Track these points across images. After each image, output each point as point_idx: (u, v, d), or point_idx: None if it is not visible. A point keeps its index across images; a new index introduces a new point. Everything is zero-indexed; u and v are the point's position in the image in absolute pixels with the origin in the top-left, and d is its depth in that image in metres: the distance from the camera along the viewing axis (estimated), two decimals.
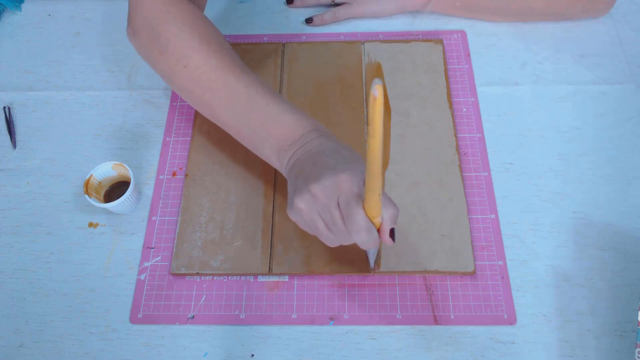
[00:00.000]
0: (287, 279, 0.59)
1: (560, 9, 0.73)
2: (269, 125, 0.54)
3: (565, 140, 0.66)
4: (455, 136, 0.66)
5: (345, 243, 0.49)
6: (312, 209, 0.47)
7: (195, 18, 0.59)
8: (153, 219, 0.63)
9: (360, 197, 0.45)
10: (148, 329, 0.57)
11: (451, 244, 0.59)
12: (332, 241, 0.49)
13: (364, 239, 0.46)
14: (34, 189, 0.66)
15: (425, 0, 0.75)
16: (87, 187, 0.60)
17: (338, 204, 0.46)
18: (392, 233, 0.47)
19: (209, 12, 0.74)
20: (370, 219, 0.45)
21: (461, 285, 0.58)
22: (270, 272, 0.58)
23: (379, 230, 0.47)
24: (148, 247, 0.61)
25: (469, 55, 0.73)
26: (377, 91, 0.36)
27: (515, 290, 0.58)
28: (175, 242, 0.60)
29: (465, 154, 0.65)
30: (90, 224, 0.63)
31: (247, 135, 0.57)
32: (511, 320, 0.56)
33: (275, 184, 0.63)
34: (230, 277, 0.59)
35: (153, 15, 0.58)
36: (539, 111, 0.69)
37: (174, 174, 0.66)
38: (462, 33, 0.75)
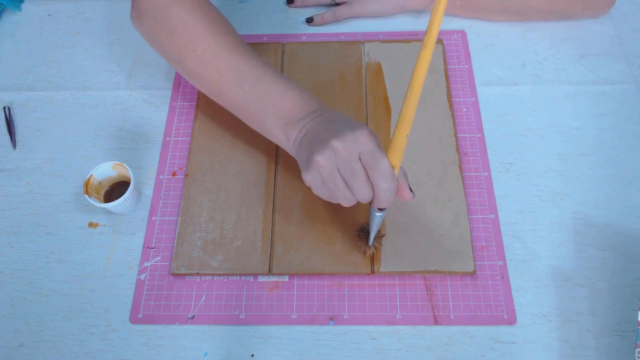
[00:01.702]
0: (287, 279, 0.59)
1: (561, 8, 0.73)
2: (276, 102, 0.56)
3: (565, 140, 0.66)
4: (455, 136, 0.66)
5: (364, 199, 0.48)
6: (332, 164, 0.48)
7: (201, 2, 0.60)
8: (153, 219, 0.63)
9: (382, 150, 0.47)
10: (148, 329, 0.57)
11: (451, 244, 0.59)
12: (349, 200, 0.49)
13: (390, 186, 0.47)
14: (34, 189, 0.66)
15: (426, 1, 0.75)
16: (87, 187, 0.60)
17: (359, 158, 0.47)
18: (410, 188, 0.50)
19: None
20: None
21: (461, 285, 0.58)
22: (270, 272, 0.58)
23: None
24: (148, 247, 0.61)
25: (469, 55, 0.73)
26: None
27: (515, 290, 0.58)
28: (175, 242, 0.60)
29: (465, 154, 0.65)
30: (90, 224, 0.63)
31: (253, 113, 0.58)
32: (511, 320, 0.56)
33: (275, 184, 0.63)
34: (230, 277, 0.59)
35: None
36: (539, 111, 0.69)
37: (174, 174, 0.66)
38: (462, 33, 0.75)
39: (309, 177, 0.50)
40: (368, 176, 0.47)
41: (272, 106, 0.56)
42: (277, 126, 0.55)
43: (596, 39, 0.74)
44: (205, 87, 0.61)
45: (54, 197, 0.65)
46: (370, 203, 0.51)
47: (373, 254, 0.58)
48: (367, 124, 0.67)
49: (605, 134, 0.67)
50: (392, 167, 0.47)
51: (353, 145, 0.47)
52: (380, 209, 0.51)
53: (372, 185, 0.48)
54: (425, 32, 0.41)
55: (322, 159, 0.48)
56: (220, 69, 0.58)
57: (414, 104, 0.44)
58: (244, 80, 0.57)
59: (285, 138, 0.55)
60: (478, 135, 0.67)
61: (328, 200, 0.51)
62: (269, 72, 0.57)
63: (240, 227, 0.61)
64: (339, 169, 0.48)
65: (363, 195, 0.48)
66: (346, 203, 0.50)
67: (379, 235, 0.58)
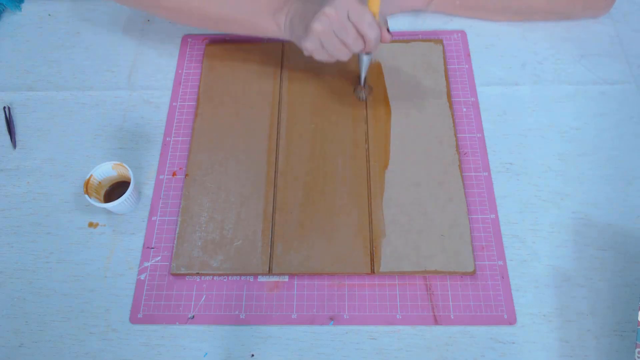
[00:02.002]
0: (287, 279, 0.59)
1: (561, 8, 0.73)
2: None
3: (565, 140, 0.66)
4: (455, 136, 0.66)
5: (357, 49, 0.57)
6: (328, 27, 0.55)
7: None
8: (153, 219, 0.63)
9: (365, 5, 0.55)
10: (148, 329, 0.57)
11: (451, 244, 0.59)
12: (345, 54, 0.58)
13: (376, 32, 0.56)
14: (34, 189, 0.66)
15: (425, 1, 0.75)
16: (87, 187, 0.60)
17: (348, 16, 0.55)
18: (387, 30, 0.59)
19: None
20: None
21: (461, 285, 0.58)
22: (270, 272, 0.58)
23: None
24: (148, 247, 0.61)
25: (469, 55, 0.73)
26: None
27: (515, 290, 0.58)
28: (175, 242, 0.60)
29: (465, 154, 0.65)
30: (90, 224, 0.63)
31: (241, 19, 0.63)
32: (511, 320, 0.56)
33: (275, 184, 0.63)
34: (230, 277, 0.59)
35: None
36: (539, 111, 0.69)
37: (174, 174, 0.66)
38: (462, 33, 0.75)
39: (308, 44, 0.57)
40: (357, 30, 0.55)
41: (254, 3, 0.61)
42: (266, 20, 0.61)
43: (596, 39, 0.74)
44: (189, 18, 0.65)
45: (54, 197, 0.65)
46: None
47: (367, 96, 0.66)
48: (367, 124, 0.67)
49: (605, 134, 0.67)
50: (374, 14, 0.56)
51: (341, 7, 0.54)
52: (368, 53, 0.62)
53: (361, 37, 0.56)
54: None
55: (319, 25, 0.55)
56: None
57: None
58: None
59: (277, 27, 0.61)
60: (478, 135, 0.67)
61: (327, 60, 0.59)
62: None
63: (240, 227, 0.61)
64: (333, 30, 0.55)
65: (356, 46, 0.57)
66: (344, 57, 0.58)
67: (369, 89, 0.67)
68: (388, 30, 0.59)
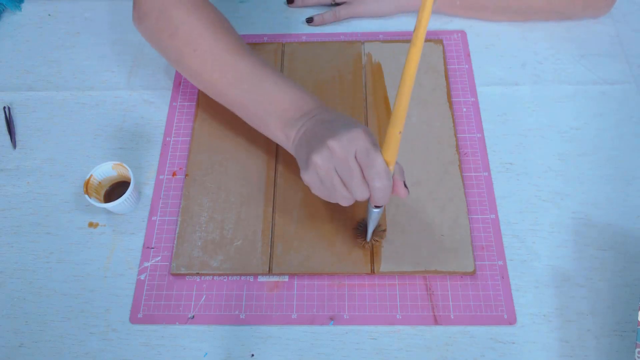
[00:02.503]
0: (287, 279, 0.59)
1: (561, 7, 0.73)
2: (276, 101, 0.56)
3: (565, 140, 0.66)
4: (455, 136, 0.66)
5: (361, 198, 0.49)
6: (329, 164, 0.48)
7: (201, 2, 0.60)
8: (153, 219, 0.63)
9: (377, 146, 0.48)
10: (148, 329, 0.57)
11: (451, 244, 0.59)
12: (347, 199, 0.50)
13: (384, 184, 0.47)
14: (34, 189, 0.66)
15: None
16: (87, 187, 0.60)
17: (355, 157, 0.47)
18: (404, 185, 0.50)
19: None
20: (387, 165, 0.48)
21: (461, 285, 0.58)
22: (270, 272, 0.58)
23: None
24: (148, 247, 0.61)
25: (469, 55, 0.73)
26: None
27: (515, 290, 0.58)
28: (175, 242, 0.60)
29: (465, 154, 0.65)
30: (90, 224, 0.63)
31: (253, 112, 0.58)
32: (511, 320, 0.56)
33: (275, 184, 0.63)
34: (230, 277, 0.59)
35: (160, 1, 0.59)
36: (539, 111, 0.69)
37: (174, 174, 0.66)
38: (462, 33, 0.75)
39: (307, 177, 0.50)
40: (364, 175, 0.48)
41: (271, 105, 0.56)
42: (277, 125, 0.56)
43: (596, 39, 0.74)
44: (205, 87, 0.61)
45: (54, 197, 0.65)
46: (368, 200, 0.51)
47: (372, 248, 0.58)
48: (367, 124, 0.67)
49: (605, 134, 0.67)
50: (387, 164, 0.47)
51: (349, 144, 0.47)
52: (377, 206, 0.51)
53: (367, 184, 0.48)
54: (414, 29, 0.41)
55: (319, 159, 0.48)
56: (220, 69, 0.58)
57: (405, 102, 0.45)
58: (244, 79, 0.57)
59: (284, 137, 0.55)
60: (478, 135, 0.67)
61: (327, 199, 0.52)
62: (268, 72, 0.58)
63: (240, 227, 0.61)
64: (335, 169, 0.48)
65: (360, 193, 0.49)
66: (344, 202, 0.50)
67: (380, 230, 0.58)
68: (405, 185, 0.50)
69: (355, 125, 0.49)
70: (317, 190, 0.51)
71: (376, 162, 0.47)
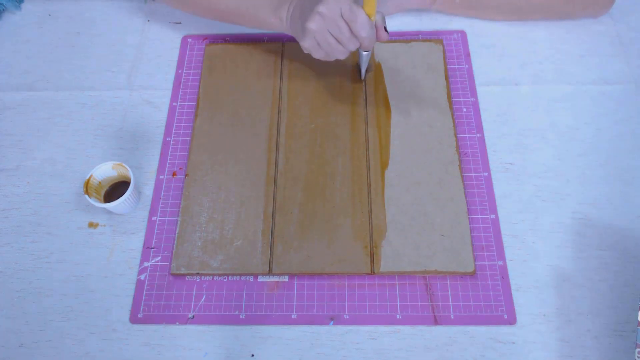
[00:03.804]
0: (287, 279, 0.59)
1: (561, 7, 0.73)
2: None
3: (565, 140, 0.66)
4: (455, 136, 0.66)
5: (352, 48, 0.58)
6: (322, 27, 0.56)
7: None
8: (153, 219, 0.63)
9: (358, 3, 0.55)
10: (148, 329, 0.57)
11: (451, 244, 0.59)
12: (342, 52, 0.58)
13: (368, 33, 0.56)
14: (34, 189, 0.66)
15: (426, 1, 0.75)
16: (87, 187, 0.60)
17: (342, 15, 0.55)
18: (385, 29, 0.59)
19: None
20: (368, 17, 0.56)
21: (461, 285, 0.58)
22: (270, 272, 0.58)
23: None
24: (148, 247, 0.61)
25: (469, 55, 0.73)
26: None
27: (515, 290, 0.58)
28: (175, 242, 0.60)
29: (465, 154, 0.65)
30: (90, 224, 0.63)
31: (245, 12, 0.64)
32: (511, 320, 0.56)
33: (275, 184, 0.63)
34: (230, 277, 0.59)
35: None
36: (539, 111, 0.69)
37: (174, 174, 0.66)
38: (462, 33, 0.75)
39: (306, 44, 0.58)
40: (351, 29, 0.56)
41: None
42: (270, 14, 0.62)
43: (596, 39, 0.74)
44: (194, 7, 0.66)
45: (54, 197, 0.65)
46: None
47: (366, 83, 0.67)
48: (367, 124, 0.67)
49: (605, 134, 0.67)
50: (369, 15, 0.56)
51: (335, 5, 0.55)
52: (366, 50, 0.62)
53: (355, 36, 0.56)
54: None
55: (313, 25, 0.56)
56: None
57: None
58: None
59: (278, 21, 0.62)
60: (478, 135, 0.67)
61: (326, 59, 0.59)
62: None
63: (240, 227, 0.61)
64: (328, 30, 0.56)
65: (352, 45, 0.58)
66: (341, 56, 0.59)
67: (370, 67, 0.69)
68: (385, 29, 0.59)
69: None
70: (316, 52, 0.59)
71: (359, 17, 0.55)
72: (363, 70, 0.67)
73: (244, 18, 0.65)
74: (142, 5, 0.80)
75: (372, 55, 0.63)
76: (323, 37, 0.57)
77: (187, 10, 0.69)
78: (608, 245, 0.60)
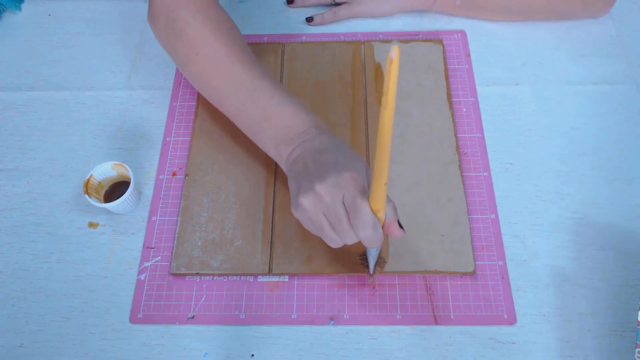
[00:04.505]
0: (287, 279, 0.59)
1: (561, 7, 0.73)
2: (270, 117, 0.55)
3: (565, 140, 0.66)
4: (455, 136, 0.66)
5: (350, 242, 0.48)
6: (317, 208, 0.47)
7: (208, 5, 0.59)
8: (153, 219, 0.63)
9: (365, 193, 0.46)
10: (148, 329, 0.57)
11: (451, 244, 0.59)
12: (335, 242, 0.49)
13: (370, 235, 0.46)
14: (34, 189, 0.66)
15: (426, 1, 0.75)
16: (87, 187, 0.60)
17: (343, 202, 0.46)
18: (399, 224, 0.48)
19: None
20: (375, 213, 0.46)
21: (461, 285, 0.58)
22: (270, 272, 0.58)
23: (383, 227, 0.47)
24: (148, 247, 0.61)
25: (469, 55, 0.73)
26: (394, 52, 0.32)
27: (515, 290, 0.58)
28: (175, 242, 0.60)
29: (465, 154, 0.65)
30: (90, 224, 0.63)
31: (248, 125, 0.58)
32: (511, 320, 0.56)
33: (275, 184, 0.63)
34: (230, 277, 0.59)
35: (170, 0, 0.59)
36: (539, 111, 0.69)
37: (174, 174, 0.66)
38: (462, 33, 0.75)
39: (297, 215, 0.50)
40: (350, 223, 0.46)
41: (265, 122, 0.55)
42: (270, 141, 0.55)
43: (596, 39, 0.74)
44: (204, 92, 0.61)
45: (54, 197, 0.65)
46: None
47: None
48: (367, 124, 0.67)
49: (605, 134, 0.67)
50: (376, 212, 0.45)
51: (336, 190, 0.46)
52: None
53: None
54: (383, 94, 0.37)
55: (306, 203, 0.47)
56: (219, 77, 0.58)
57: (386, 155, 0.41)
58: (241, 90, 0.57)
59: (278, 157, 0.55)
60: (478, 135, 0.67)
61: (318, 235, 0.50)
62: (266, 85, 0.56)
63: (240, 227, 0.61)
64: (324, 213, 0.47)
65: (348, 239, 0.48)
66: (333, 245, 0.49)
67: (381, 262, 0.58)
68: (400, 225, 0.48)
69: (345, 167, 0.47)
70: (307, 227, 0.50)
71: (362, 213, 0.45)
72: (372, 265, 0.55)
73: (246, 129, 0.59)
74: (142, 5, 0.80)
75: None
76: (316, 218, 0.47)
77: (201, 93, 0.62)
78: (608, 245, 0.60)
